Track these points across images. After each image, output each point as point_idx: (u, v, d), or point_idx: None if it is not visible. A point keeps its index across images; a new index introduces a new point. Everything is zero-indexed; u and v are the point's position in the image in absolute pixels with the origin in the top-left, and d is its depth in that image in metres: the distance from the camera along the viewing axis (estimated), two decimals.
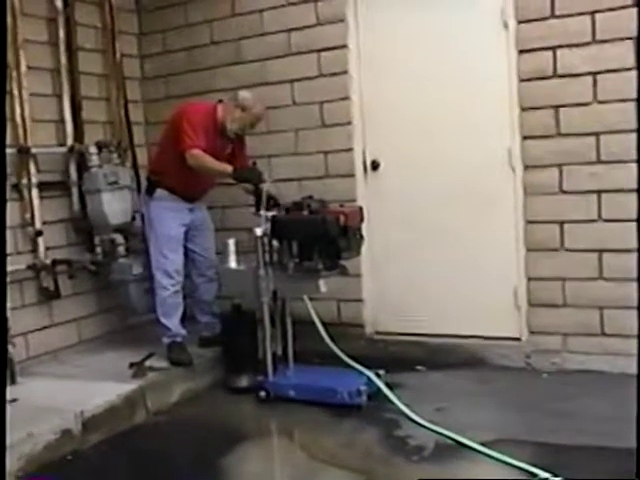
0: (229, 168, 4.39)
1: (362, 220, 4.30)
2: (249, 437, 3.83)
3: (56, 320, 4.94)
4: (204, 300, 4.90)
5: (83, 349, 5.06)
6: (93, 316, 5.23)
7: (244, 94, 4.58)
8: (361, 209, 4.36)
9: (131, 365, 4.51)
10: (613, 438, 3.40)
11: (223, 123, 4.52)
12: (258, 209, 4.29)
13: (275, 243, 4.20)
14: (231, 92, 5.03)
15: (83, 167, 4.98)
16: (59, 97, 5.01)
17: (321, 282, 4.11)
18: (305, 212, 4.15)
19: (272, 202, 4.36)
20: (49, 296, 4.85)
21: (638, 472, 2.45)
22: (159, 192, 4.61)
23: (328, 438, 3.74)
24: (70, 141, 5.00)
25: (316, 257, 4.08)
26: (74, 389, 4.20)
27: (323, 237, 4.04)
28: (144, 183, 4.90)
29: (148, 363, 4.57)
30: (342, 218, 4.02)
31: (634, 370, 4.17)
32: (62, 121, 5.01)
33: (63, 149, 4.98)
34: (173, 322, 4.64)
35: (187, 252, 4.75)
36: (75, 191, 5.02)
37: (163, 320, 4.63)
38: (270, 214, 4.20)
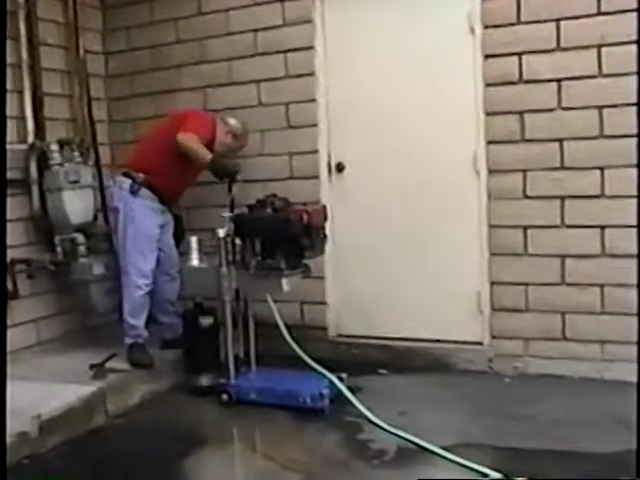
0: (209, 156, 4.36)
1: (326, 219, 4.27)
2: (209, 441, 3.79)
3: (15, 320, 4.83)
4: (167, 299, 4.84)
5: (42, 350, 4.98)
6: (52, 317, 5.16)
7: (235, 123, 4.73)
8: (325, 208, 4.34)
9: (91, 366, 4.45)
10: (573, 442, 3.45)
11: (214, 141, 4.59)
12: (232, 209, 4.28)
13: (238, 242, 4.17)
14: (197, 91, 5.08)
15: (44, 165, 4.91)
16: (20, 93, 4.92)
17: (284, 281, 4.07)
18: (268, 210, 4.12)
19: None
20: (8, 296, 4.75)
21: (638, 472, 2.47)
22: (144, 191, 4.56)
23: (289, 442, 3.72)
24: (31, 138, 4.92)
25: (279, 256, 4.05)
26: (32, 391, 4.10)
27: (286, 236, 4.02)
28: (107, 182, 4.84)
29: (109, 365, 4.51)
30: (305, 217, 4.00)
31: (594, 374, 4.27)
32: (23, 118, 4.93)
33: (24, 146, 4.90)
34: (139, 322, 4.60)
35: None
36: (35, 189, 4.94)
37: (130, 320, 4.57)
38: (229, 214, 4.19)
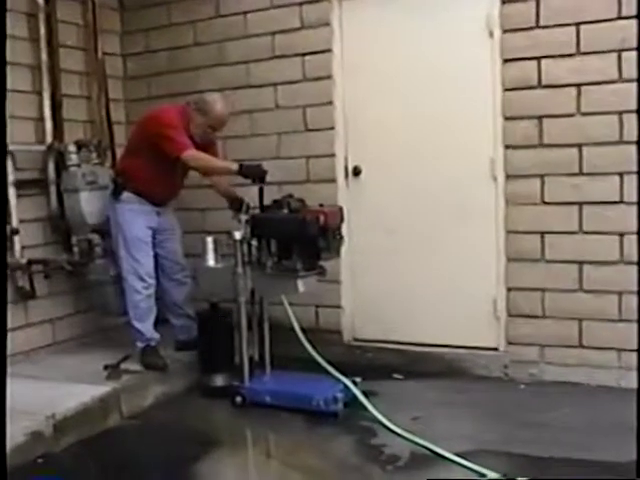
0: (234, 165, 4.28)
1: (342, 220, 4.24)
2: (222, 443, 3.78)
3: (31, 320, 4.87)
4: (176, 303, 4.83)
5: (58, 350, 5.00)
6: (69, 317, 5.17)
7: (202, 97, 4.50)
8: (341, 209, 4.30)
9: (106, 367, 4.47)
10: (588, 450, 3.41)
11: (189, 127, 4.44)
12: (262, 209, 4.24)
13: (254, 242, 4.15)
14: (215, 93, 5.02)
15: (62, 166, 4.92)
16: (39, 94, 4.94)
17: (299, 282, 4.06)
18: (285, 211, 4.11)
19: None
20: (24, 296, 4.79)
21: (638, 472, 2.45)
22: (126, 195, 4.53)
23: (303, 446, 3.71)
24: (49, 139, 4.94)
25: (295, 256, 4.04)
26: (47, 390, 4.13)
27: (302, 236, 4.00)
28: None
29: (123, 366, 4.52)
30: (322, 218, 3.97)
31: (611, 382, 4.22)
32: (41, 119, 4.95)
33: (42, 147, 4.91)
34: (146, 326, 4.59)
35: (155, 257, 4.67)
36: (53, 190, 4.95)
37: (136, 324, 4.57)
38: (245, 217, 4.18)
